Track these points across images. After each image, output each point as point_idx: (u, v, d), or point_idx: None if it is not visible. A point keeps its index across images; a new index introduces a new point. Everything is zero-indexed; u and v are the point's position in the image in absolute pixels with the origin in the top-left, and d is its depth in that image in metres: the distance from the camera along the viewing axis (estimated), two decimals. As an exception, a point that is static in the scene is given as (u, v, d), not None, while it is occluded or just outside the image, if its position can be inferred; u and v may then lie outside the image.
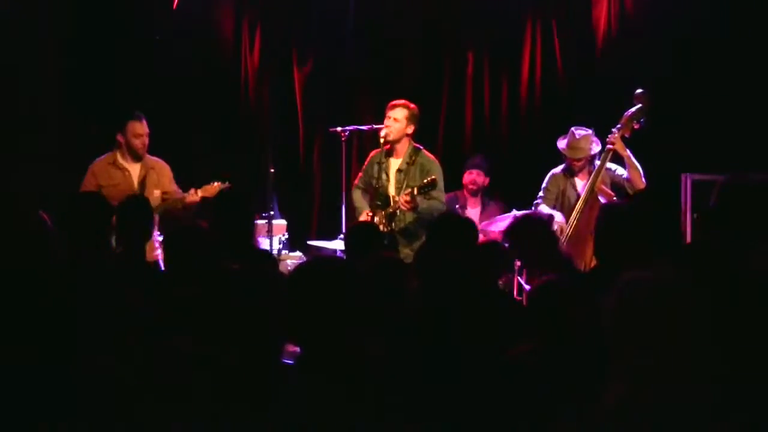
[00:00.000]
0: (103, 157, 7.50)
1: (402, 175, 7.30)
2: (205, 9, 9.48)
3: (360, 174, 7.68)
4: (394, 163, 7.39)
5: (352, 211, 7.59)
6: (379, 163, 7.37)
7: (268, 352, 3.04)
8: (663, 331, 2.41)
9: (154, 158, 7.60)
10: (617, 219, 4.28)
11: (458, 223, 5.41)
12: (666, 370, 2.41)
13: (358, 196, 7.57)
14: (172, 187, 7.59)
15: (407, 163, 7.31)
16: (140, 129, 7.41)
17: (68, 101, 8.67)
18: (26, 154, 8.12)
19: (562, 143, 7.71)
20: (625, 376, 2.44)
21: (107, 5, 9.02)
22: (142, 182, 7.43)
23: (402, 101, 7.39)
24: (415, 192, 6.99)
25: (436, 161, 7.40)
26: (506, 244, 5.44)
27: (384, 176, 7.35)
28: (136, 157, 7.45)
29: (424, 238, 6.81)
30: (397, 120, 7.31)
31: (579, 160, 7.63)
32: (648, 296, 2.45)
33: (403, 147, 7.36)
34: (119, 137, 7.43)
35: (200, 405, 2.89)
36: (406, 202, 7.01)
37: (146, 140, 7.46)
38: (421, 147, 7.42)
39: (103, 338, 3.11)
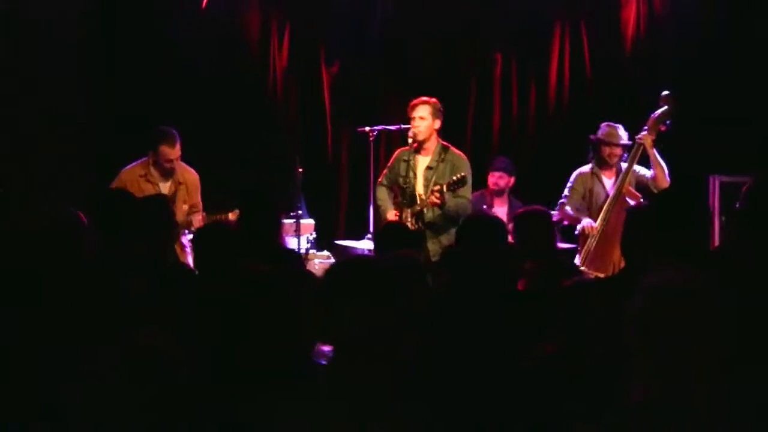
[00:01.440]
0: (134, 165, 7.40)
1: (432, 172, 7.29)
2: (234, 9, 9.51)
3: (385, 171, 7.68)
4: (422, 161, 7.38)
5: (376, 209, 7.59)
6: (407, 161, 7.37)
7: (296, 351, 3.05)
8: (688, 334, 2.41)
9: (185, 167, 7.53)
10: (642, 222, 4.27)
11: (488, 223, 5.38)
12: (690, 373, 2.41)
13: (383, 194, 7.56)
14: (197, 199, 7.55)
15: (437, 161, 7.30)
16: (171, 154, 7.29)
17: (91, 102, 8.71)
18: (48, 154, 8.15)
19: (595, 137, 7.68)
20: (647, 378, 2.45)
21: (132, 5, 9.05)
22: (172, 197, 7.32)
23: (424, 98, 7.39)
24: (444, 189, 7.00)
25: (466, 158, 7.41)
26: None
27: (411, 174, 7.35)
28: (166, 176, 7.39)
29: (450, 232, 6.95)
30: (423, 118, 7.30)
31: (616, 146, 7.57)
32: (674, 299, 2.45)
33: (432, 144, 7.36)
34: (151, 154, 7.33)
35: (225, 403, 2.91)
36: (436, 198, 7.02)
37: (176, 163, 7.36)
38: (449, 144, 7.42)
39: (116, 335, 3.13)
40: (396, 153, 7.62)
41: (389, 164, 7.65)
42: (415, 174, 7.35)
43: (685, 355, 2.41)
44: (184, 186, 7.47)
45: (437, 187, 7.04)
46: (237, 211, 6.91)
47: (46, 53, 8.25)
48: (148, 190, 7.26)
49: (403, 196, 7.36)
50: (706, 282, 2.48)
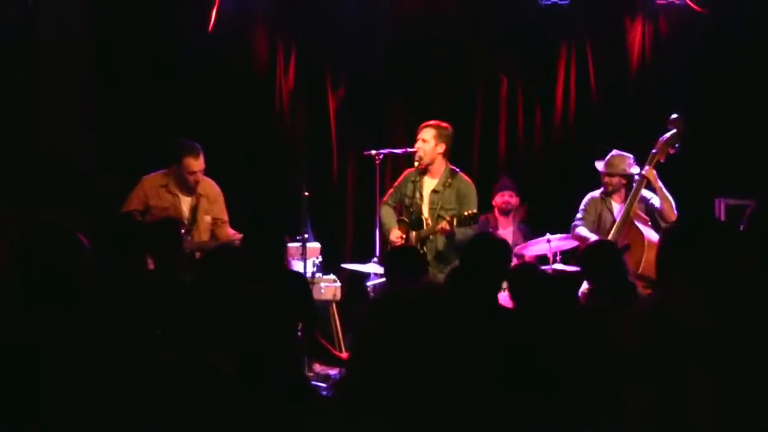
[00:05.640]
0: (156, 174, 7.37)
1: (438, 196, 7.29)
2: (241, 32, 9.52)
3: (390, 191, 7.68)
4: (429, 183, 7.37)
5: (381, 227, 7.57)
6: (414, 182, 7.37)
7: (290, 371, 3.05)
8: (672, 354, 2.40)
9: (207, 180, 7.47)
10: (674, 242, 4.22)
11: (493, 243, 5.34)
12: (674, 393, 2.39)
13: (387, 213, 7.54)
14: (221, 212, 7.47)
15: (443, 185, 7.30)
16: (196, 166, 7.24)
17: (99, 122, 8.71)
18: (56, 172, 8.16)
19: (600, 164, 7.71)
20: (635, 398, 2.43)
21: (140, 25, 9.03)
22: (194, 210, 7.32)
23: (432, 122, 7.41)
24: (455, 223, 6.98)
25: (473, 185, 7.40)
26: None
27: (418, 195, 7.34)
28: (188, 191, 7.33)
29: (455, 262, 6.84)
30: (425, 141, 7.32)
31: (612, 176, 7.60)
32: (656, 319, 2.44)
33: (439, 167, 7.35)
34: (174, 167, 7.28)
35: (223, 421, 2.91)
36: (446, 227, 7.01)
37: (200, 176, 7.30)
38: (458, 169, 7.41)
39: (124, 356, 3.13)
40: (404, 173, 7.62)
41: (396, 184, 7.65)
42: (421, 195, 7.34)
43: (667, 376, 2.40)
44: (204, 198, 7.40)
45: (448, 218, 7.02)
46: (239, 234, 6.93)
47: (53, 77, 8.29)
48: (168, 200, 7.29)
49: (409, 217, 7.34)
50: (695, 303, 2.47)
